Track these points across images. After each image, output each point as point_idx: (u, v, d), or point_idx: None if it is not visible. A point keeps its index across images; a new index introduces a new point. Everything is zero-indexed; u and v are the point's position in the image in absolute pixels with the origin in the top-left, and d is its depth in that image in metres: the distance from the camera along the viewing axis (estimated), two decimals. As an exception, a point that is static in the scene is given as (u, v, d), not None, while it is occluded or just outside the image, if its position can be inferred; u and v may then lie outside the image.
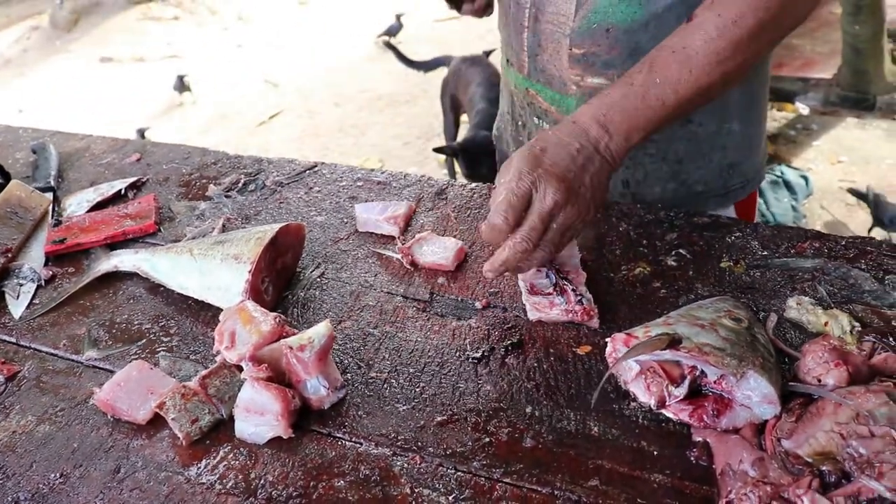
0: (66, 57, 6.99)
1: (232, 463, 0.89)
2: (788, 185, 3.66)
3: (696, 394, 0.89)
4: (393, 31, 6.18)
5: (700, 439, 0.87)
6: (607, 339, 0.96)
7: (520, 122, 1.43)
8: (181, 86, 5.57)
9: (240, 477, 0.87)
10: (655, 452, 0.86)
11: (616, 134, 1.04)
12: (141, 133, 4.02)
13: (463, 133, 4.18)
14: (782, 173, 3.70)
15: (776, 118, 4.41)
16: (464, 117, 4.07)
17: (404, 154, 4.51)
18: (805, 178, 3.70)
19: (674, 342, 0.89)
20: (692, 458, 0.85)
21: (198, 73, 5.92)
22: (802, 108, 4.44)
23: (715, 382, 0.89)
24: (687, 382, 0.89)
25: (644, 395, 0.92)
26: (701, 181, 1.34)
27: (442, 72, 4.06)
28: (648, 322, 0.97)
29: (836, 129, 4.27)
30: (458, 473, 0.85)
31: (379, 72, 5.80)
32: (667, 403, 0.90)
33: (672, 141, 1.29)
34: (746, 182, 1.39)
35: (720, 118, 1.29)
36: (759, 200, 3.59)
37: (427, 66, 4.47)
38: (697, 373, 0.89)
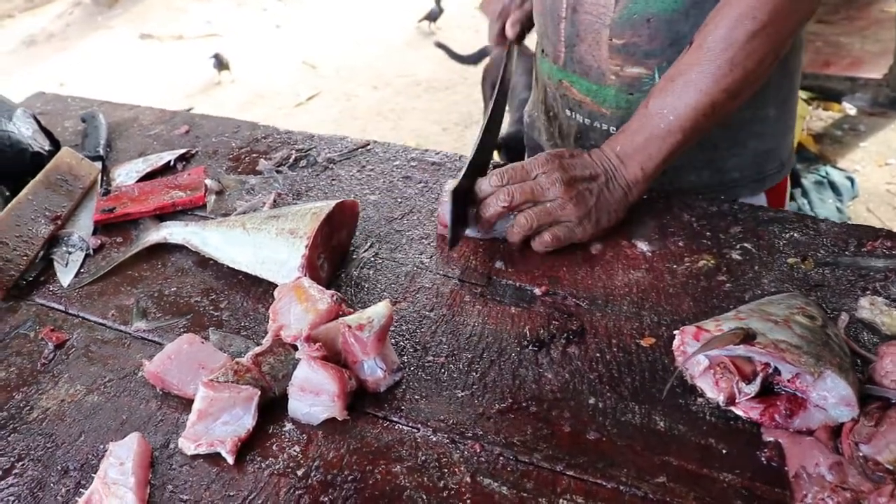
0: (106, 33, 7.02)
1: (284, 443, 0.86)
2: (833, 187, 3.58)
3: (766, 392, 0.85)
4: (433, 15, 6.13)
5: (771, 439, 0.83)
6: (675, 332, 0.92)
7: (551, 113, 1.41)
8: (220, 64, 5.58)
9: (292, 458, 0.84)
10: (724, 451, 0.82)
11: (630, 164, 1.11)
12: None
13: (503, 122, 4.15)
14: (827, 174, 3.62)
15: (822, 117, 4.30)
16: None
17: (442, 140, 4.47)
18: (851, 180, 3.61)
19: (748, 337, 0.85)
20: (763, 459, 0.81)
21: (236, 52, 5.92)
22: (849, 109, 4.33)
23: (789, 381, 0.84)
24: (759, 380, 0.85)
25: (712, 390, 0.88)
26: (736, 168, 1.31)
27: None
28: (718, 316, 0.94)
29: (885, 130, 4.15)
30: (520, 464, 0.82)
31: (418, 57, 5.75)
32: (736, 401, 0.86)
33: None
34: (782, 166, 1.36)
35: (756, 105, 1.26)
36: (803, 200, 3.52)
37: (474, 58, 4.41)
38: (770, 370, 0.85)
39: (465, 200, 1.12)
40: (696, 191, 1.26)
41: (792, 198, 3.47)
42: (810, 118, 4.21)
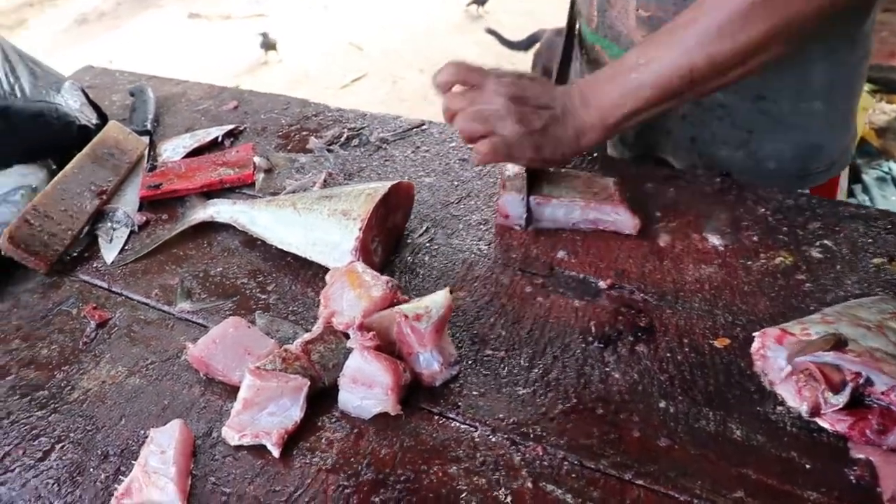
0: (156, 12, 7.05)
1: (333, 437, 0.81)
2: (897, 183, 3.44)
3: (855, 403, 0.78)
4: (481, -1, 6.04)
5: (861, 457, 0.76)
6: (754, 334, 0.85)
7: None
8: (266, 44, 5.55)
9: (341, 453, 0.79)
10: (808, 466, 0.75)
11: (590, 108, 1.03)
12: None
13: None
14: (890, 169, 3.47)
15: (885, 111, 4.13)
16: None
17: (488, 126, 4.39)
18: (916, 176, 3.47)
19: (839, 344, 0.78)
20: (852, 478, 0.74)
21: (283, 32, 5.89)
22: (915, 102, 4.16)
23: (883, 394, 0.77)
24: (848, 390, 0.77)
25: (794, 399, 0.81)
26: (773, 157, 1.23)
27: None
28: (802, 318, 0.86)
29: (952, 125, 3.98)
30: (586, 470, 0.76)
31: (466, 41, 5.67)
32: (822, 412, 0.79)
33: (742, 110, 1.19)
34: (830, 165, 1.26)
35: (798, 96, 1.17)
36: (864, 197, 3.39)
37: (525, 44, 4.32)
38: (861, 380, 0.78)
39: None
40: (727, 169, 1.20)
41: (851, 194, 3.34)
42: (873, 111, 4.05)
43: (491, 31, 4.54)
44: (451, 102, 1.05)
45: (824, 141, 1.24)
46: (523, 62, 4.21)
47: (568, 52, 1.31)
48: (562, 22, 1.40)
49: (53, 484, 0.80)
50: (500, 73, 1.05)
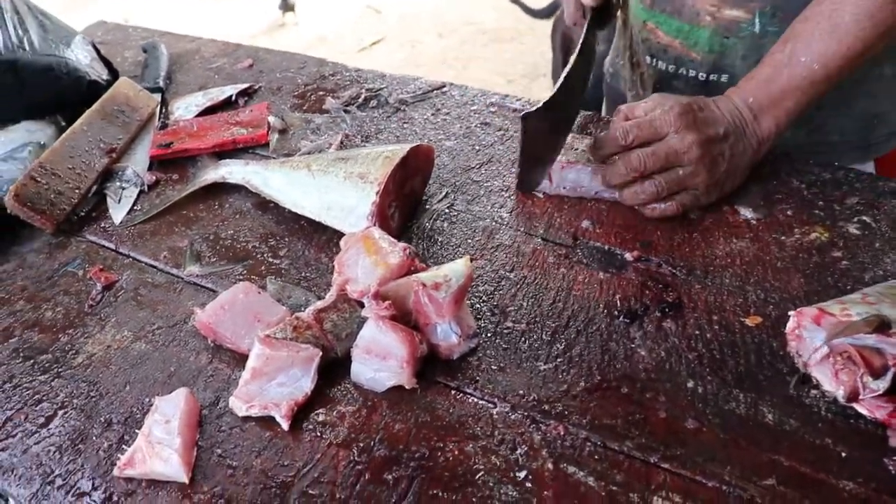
0: (173, -30, 6.96)
1: (344, 411, 0.78)
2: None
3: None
4: (502, -37, 5.92)
5: (902, 445, 0.72)
6: (789, 313, 0.81)
7: (634, 60, 1.28)
8: (285, 5, 5.47)
9: (353, 428, 0.76)
10: (843, 454, 0.71)
11: (763, 119, 1.00)
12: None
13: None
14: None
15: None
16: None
17: (507, 92, 4.31)
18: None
19: (883, 326, 0.73)
20: (891, 468, 0.70)
21: (298, -6, 5.81)
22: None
23: (927, 380, 0.72)
24: (890, 375, 0.73)
25: (830, 383, 0.77)
26: (837, 129, 1.18)
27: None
28: (842, 297, 0.82)
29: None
30: (609, 452, 0.72)
31: (485, 5, 5.56)
32: (860, 397, 0.74)
33: None
34: (893, 134, 1.21)
35: (869, 61, 1.10)
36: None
37: (546, 12, 4.22)
38: (904, 365, 0.73)
39: (546, 142, 1.00)
40: (789, 151, 1.14)
41: None
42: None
43: (514, 1, 4.45)
44: (631, 165, 0.97)
45: (890, 107, 1.19)
46: (543, 27, 4.13)
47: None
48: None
49: (55, 451, 0.77)
50: (671, 118, 0.97)
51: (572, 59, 0.99)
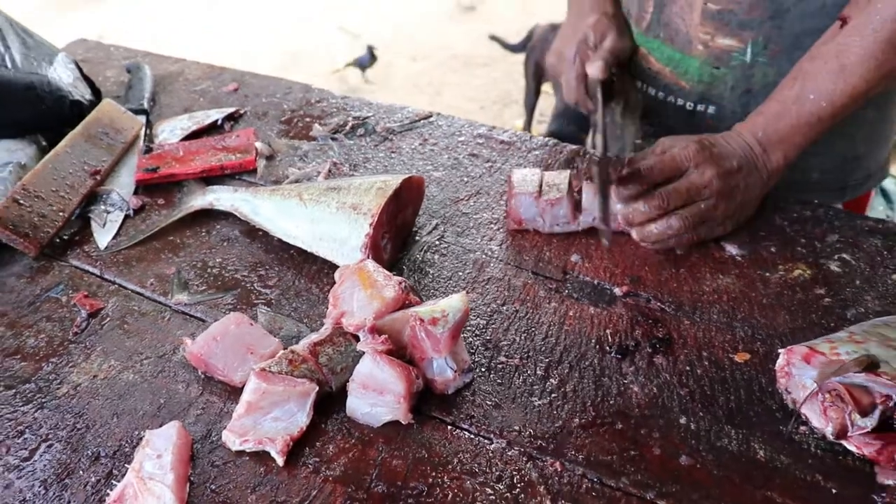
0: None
1: (341, 446, 0.77)
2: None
3: (884, 427, 0.75)
4: (476, -11, 5.97)
5: (890, 482, 0.73)
6: (779, 350, 0.82)
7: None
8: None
9: (349, 463, 0.75)
10: (834, 490, 0.73)
11: (773, 153, 1.03)
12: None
13: (544, 104, 4.02)
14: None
15: None
16: (545, 87, 3.90)
17: (480, 118, 4.32)
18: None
19: (872, 365, 0.75)
20: (880, 505, 0.71)
21: (272, 13, 5.79)
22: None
23: (913, 419, 0.74)
24: (878, 413, 0.74)
25: (819, 420, 0.78)
26: (817, 169, 1.20)
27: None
28: (829, 336, 0.83)
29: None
30: (606, 488, 0.73)
31: (458, 31, 5.61)
32: (848, 434, 0.76)
33: None
34: (867, 177, 1.25)
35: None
36: (887, 211, 3.34)
37: (523, 45, 4.25)
38: (891, 403, 0.75)
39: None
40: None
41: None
42: None
43: (494, 38, 4.50)
44: (654, 203, 0.98)
45: (866, 152, 1.22)
46: (517, 56, 4.16)
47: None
48: (556, 18, 1.30)
49: (39, 486, 0.75)
50: (689, 154, 0.99)
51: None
